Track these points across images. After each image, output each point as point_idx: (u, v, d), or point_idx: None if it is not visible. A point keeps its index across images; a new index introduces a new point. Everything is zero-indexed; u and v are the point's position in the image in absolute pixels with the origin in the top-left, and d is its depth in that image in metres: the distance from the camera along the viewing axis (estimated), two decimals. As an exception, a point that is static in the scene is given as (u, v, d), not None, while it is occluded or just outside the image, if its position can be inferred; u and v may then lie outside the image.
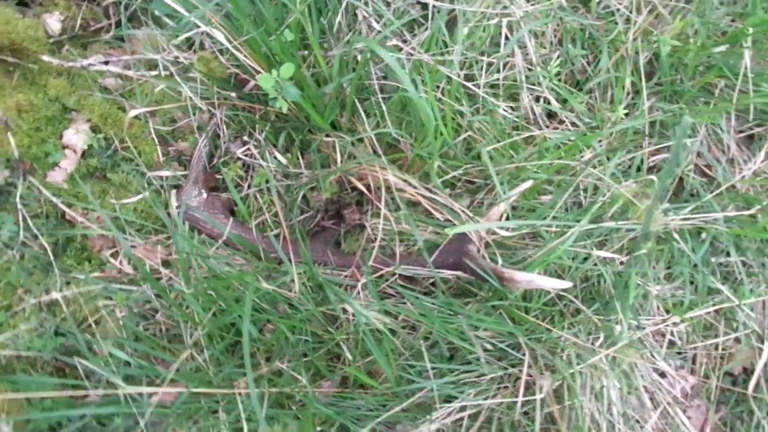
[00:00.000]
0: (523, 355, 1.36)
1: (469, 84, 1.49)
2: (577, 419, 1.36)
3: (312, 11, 1.34)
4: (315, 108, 1.36)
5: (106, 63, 1.65)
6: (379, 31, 1.43)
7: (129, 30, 1.58)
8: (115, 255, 1.53)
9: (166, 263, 1.49)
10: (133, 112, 1.45)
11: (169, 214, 1.44)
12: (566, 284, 1.19)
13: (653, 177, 1.41)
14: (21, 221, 1.44)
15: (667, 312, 1.59)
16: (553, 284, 1.20)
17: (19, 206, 1.43)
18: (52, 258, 1.43)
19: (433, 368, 1.33)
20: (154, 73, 1.57)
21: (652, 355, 1.52)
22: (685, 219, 1.50)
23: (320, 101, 1.37)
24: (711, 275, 1.52)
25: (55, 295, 1.40)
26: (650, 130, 1.70)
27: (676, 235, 1.42)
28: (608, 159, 1.46)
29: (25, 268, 1.48)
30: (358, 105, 1.40)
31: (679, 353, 1.59)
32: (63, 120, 1.58)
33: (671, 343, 1.59)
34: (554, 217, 1.37)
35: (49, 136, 1.56)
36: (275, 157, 1.49)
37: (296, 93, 1.27)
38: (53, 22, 1.64)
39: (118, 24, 1.68)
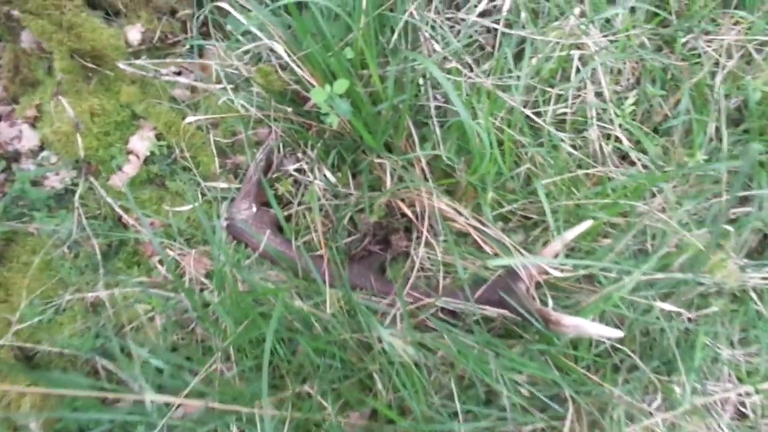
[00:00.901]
0: (567, 408, 1.24)
1: (531, 114, 1.42)
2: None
3: (374, 30, 1.33)
4: (367, 127, 1.33)
5: (178, 74, 1.71)
6: (442, 55, 1.39)
7: (198, 41, 1.62)
8: (163, 262, 1.54)
9: (211, 275, 1.49)
10: (189, 119, 1.47)
11: (213, 225, 1.44)
12: (618, 333, 1.08)
13: (729, 227, 1.28)
14: (76, 221, 1.49)
15: (740, 380, 1.43)
16: (602, 332, 1.09)
17: (77, 205, 1.48)
18: (99, 259, 1.46)
19: (466, 410, 1.24)
20: (220, 86, 1.60)
21: (720, 426, 1.36)
22: (766, 278, 1.35)
23: (374, 121, 1.34)
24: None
25: (101, 294, 1.43)
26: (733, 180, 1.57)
27: (753, 294, 1.28)
28: (679, 205, 1.34)
29: (78, 266, 1.52)
30: (412, 127, 1.36)
31: (751, 428, 1.41)
32: (131, 126, 1.64)
33: (742, 415, 1.42)
34: (616, 262, 1.26)
35: (116, 140, 1.62)
36: (324, 175, 1.47)
37: (348, 109, 1.25)
38: (134, 33, 1.71)
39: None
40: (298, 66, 1.36)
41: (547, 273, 1.34)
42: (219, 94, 1.54)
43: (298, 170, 1.56)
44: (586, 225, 1.32)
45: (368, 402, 1.33)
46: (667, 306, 1.27)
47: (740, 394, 1.40)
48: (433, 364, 1.32)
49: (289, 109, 1.47)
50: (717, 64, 1.64)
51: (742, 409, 1.40)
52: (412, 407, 1.24)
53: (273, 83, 1.47)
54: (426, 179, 1.40)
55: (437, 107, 1.42)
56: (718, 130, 1.61)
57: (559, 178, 1.36)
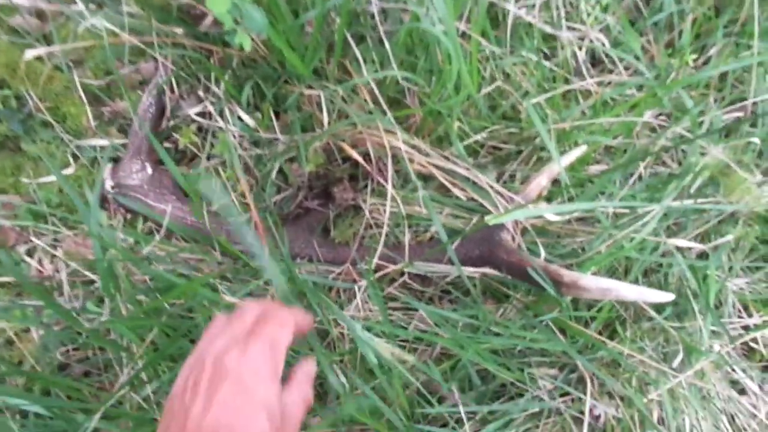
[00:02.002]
0: (578, 381, 1.02)
1: (518, 11, 1.11)
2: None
3: None
4: (291, 47, 0.97)
5: (16, -5, 1.25)
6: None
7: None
8: (32, 251, 1.15)
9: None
10: (30, 53, 1.05)
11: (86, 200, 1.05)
12: (668, 296, 0.84)
13: (755, 139, 1.05)
14: None
15: (745, 310, 1.26)
16: (646, 296, 0.84)
17: None
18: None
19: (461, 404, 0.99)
20: (78, 5, 1.17)
21: (732, 369, 1.19)
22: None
23: (299, 37, 0.98)
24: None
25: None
26: (719, 83, 1.35)
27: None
28: (697, 120, 1.07)
29: None
30: (351, 42, 1.01)
31: (764, 364, 1.26)
32: (-45, 73, 1.19)
33: (751, 351, 1.26)
34: (625, 198, 1.00)
35: (-64, 94, 1.17)
36: (239, 117, 1.11)
37: (263, 21, 0.89)
38: (-59, -59, 1.23)
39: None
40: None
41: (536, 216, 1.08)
42: (77, 17, 1.12)
43: (201, 114, 1.19)
44: (578, 152, 1.06)
45: (330, 399, 1.05)
46: (682, 242, 1.05)
47: (748, 326, 1.23)
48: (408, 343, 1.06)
49: (179, 31, 1.07)
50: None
51: (753, 345, 1.23)
52: (390, 402, 0.97)
53: (150, -6, 1.07)
54: (379, 111, 1.07)
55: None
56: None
57: (547, 96, 1.07)
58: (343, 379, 1.03)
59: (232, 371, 0.54)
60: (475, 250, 1.07)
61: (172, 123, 1.20)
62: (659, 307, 1.10)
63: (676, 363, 1.04)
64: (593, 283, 0.85)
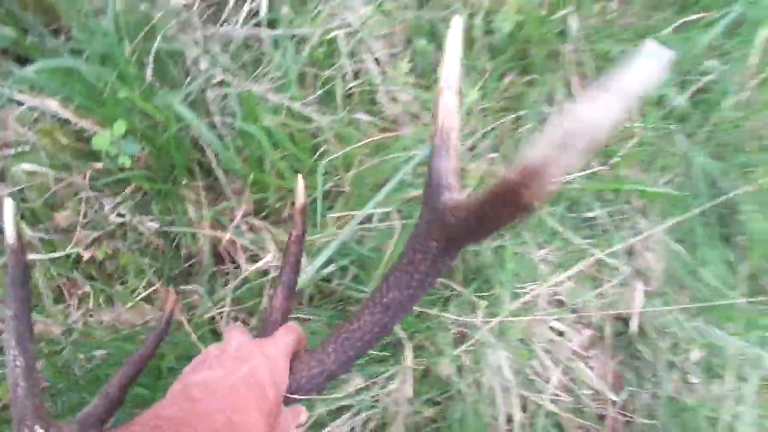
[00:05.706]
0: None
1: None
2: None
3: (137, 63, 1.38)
4: (160, 156, 1.39)
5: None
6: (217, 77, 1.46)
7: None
8: None
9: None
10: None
11: None
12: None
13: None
14: None
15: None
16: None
17: None
18: None
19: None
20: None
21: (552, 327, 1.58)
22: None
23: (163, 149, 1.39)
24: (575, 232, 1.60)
25: None
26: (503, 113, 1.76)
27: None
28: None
29: None
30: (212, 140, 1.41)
31: (574, 311, 1.64)
32: None
33: (560, 303, 1.64)
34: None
35: None
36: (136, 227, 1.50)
37: (136, 148, 1.31)
38: None
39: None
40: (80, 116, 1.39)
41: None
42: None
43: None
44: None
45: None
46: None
47: (553, 285, 1.63)
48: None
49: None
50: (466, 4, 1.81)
51: (559, 297, 1.62)
52: None
53: (60, 140, 1.46)
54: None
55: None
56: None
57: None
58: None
59: (255, 355, 0.78)
60: (431, 242, 0.67)
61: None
62: (467, 281, 1.50)
63: (479, 318, 1.43)
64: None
